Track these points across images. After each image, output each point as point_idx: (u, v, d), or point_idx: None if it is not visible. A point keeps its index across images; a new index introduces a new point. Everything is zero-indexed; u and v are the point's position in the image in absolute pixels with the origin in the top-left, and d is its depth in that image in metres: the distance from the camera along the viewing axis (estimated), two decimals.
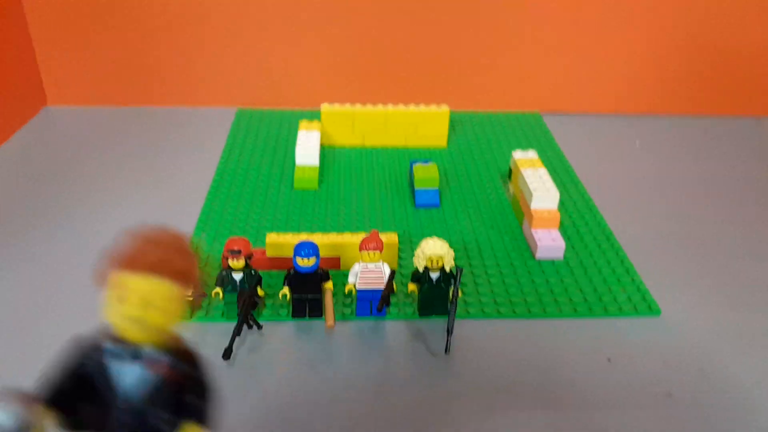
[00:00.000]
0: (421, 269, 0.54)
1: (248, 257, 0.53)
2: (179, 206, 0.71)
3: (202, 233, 0.66)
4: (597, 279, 0.61)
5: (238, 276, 0.53)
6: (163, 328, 0.29)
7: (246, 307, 0.51)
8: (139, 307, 0.28)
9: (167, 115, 0.92)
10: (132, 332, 0.28)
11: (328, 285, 0.55)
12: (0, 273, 0.60)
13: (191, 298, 0.30)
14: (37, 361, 0.50)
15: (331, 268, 0.60)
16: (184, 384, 0.29)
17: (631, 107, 0.98)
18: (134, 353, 0.29)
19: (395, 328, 0.55)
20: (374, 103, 0.86)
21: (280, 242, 0.59)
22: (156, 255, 0.28)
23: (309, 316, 0.55)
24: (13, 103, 0.86)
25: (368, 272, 0.55)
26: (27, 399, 0.26)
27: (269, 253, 0.60)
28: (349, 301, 0.58)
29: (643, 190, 0.78)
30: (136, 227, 0.30)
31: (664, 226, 0.71)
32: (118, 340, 0.29)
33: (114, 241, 0.29)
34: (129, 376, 0.29)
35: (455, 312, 0.52)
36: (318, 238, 0.59)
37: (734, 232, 0.70)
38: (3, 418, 0.25)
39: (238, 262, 0.53)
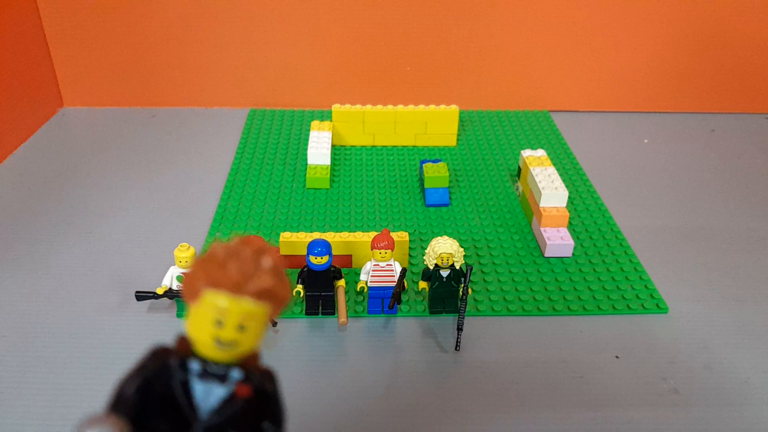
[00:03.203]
0: (431, 267, 0.55)
1: None
2: (194, 206, 0.72)
3: (217, 233, 0.67)
4: (605, 277, 0.62)
5: None
6: (251, 350, 0.28)
7: None
8: (236, 332, 0.27)
9: (181, 116, 0.93)
10: (223, 355, 0.27)
11: (341, 283, 0.56)
12: (18, 275, 0.61)
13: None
14: (57, 359, 0.52)
15: (343, 267, 0.61)
16: (264, 409, 0.29)
17: (640, 105, 0.98)
18: (221, 375, 0.28)
19: (406, 325, 0.56)
20: (384, 103, 0.87)
21: (293, 241, 0.60)
22: (265, 282, 0.27)
23: (322, 314, 0.57)
24: (30, 105, 0.88)
25: (380, 270, 0.56)
26: (117, 423, 0.25)
27: (283, 251, 0.61)
28: (361, 298, 0.59)
29: (652, 187, 0.79)
30: (232, 241, 0.28)
31: (673, 223, 0.71)
32: (204, 360, 0.28)
33: (210, 254, 0.27)
34: (213, 397, 0.28)
35: (465, 309, 0.53)
36: (330, 237, 0.60)
37: (744, 230, 0.71)
38: None
39: None
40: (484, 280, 0.61)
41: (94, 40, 0.91)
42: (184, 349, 0.28)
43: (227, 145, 0.86)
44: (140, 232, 0.67)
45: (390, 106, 0.84)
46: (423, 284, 0.57)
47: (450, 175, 0.77)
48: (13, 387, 0.49)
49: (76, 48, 0.91)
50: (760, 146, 0.89)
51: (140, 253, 0.64)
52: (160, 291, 0.55)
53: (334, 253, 0.57)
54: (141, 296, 0.55)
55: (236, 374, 0.28)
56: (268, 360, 0.51)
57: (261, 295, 0.27)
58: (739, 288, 0.62)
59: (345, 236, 0.61)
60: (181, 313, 0.56)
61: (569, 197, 0.75)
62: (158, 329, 0.55)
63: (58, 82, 0.94)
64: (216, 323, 0.26)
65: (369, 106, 0.84)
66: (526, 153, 0.74)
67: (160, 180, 0.77)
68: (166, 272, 0.56)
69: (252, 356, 0.29)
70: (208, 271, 0.27)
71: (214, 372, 0.28)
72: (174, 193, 0.75)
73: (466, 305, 0.53)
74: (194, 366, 0.28)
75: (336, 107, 0.84)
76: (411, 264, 0.63)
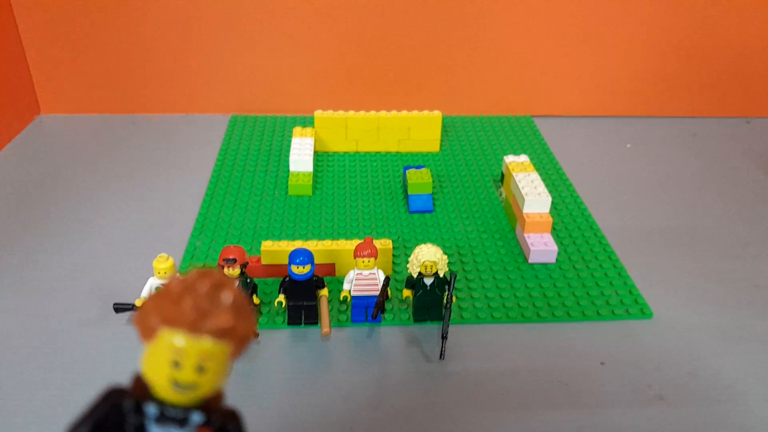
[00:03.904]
0: (415, 275, 0.55)
1: (243, 266, 0.54)
2: (174, 214, 0.71)
3: (197, 241, 0.66)
4: (589, 282, 0.62)
5: None
6: (212, 390, 0.26)
7: None
8: (194, 373, 0.25)
9: (161, 123, 0.92)
10: (182, 398, 0.26)
11: (324, 292, 0.56)
12: None
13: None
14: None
15: (326, 275, 0.60)
16: None
17: (622, 109, 0.98)
18: (180, 419, 0.26)
19: (390, 334, 0.56)
20: (367, 109, 0.87)
21: (275, 250, 0.60)
22: (223, 320, 0.25)
23: (305, 324, 0.56)
24: (7, 112, 0.87)
25: (363, 279, 0.55)
26: None
27: (264, 260, 0.60)
28: (344, 307, 0.58)
29: (635, 192, 0.79)
30: (189, 274, 0.26)
31: (656, 228, 0.72)
32: (162, 403, 0.26)
33: (165, 288, 0.26)
34: None
35: (449, 317, 0.53)
36: (313, 245, 0.60)
37: (727, 233, 0.71)
38: None
39: (233, 271, 0.53)
40: (469, 287, 0.61)
41: (72, 46, 0.89)
42: (139, 390, 0.26)
43: (208, 152, 0.85)
44: (119, 242, 0.66)
45: (373, 112, 0.84)
46: (407, 292, 0.56)
47: (433, 181, 0.77)
48: None
49: (53, 53, 0.90)
50: (741, 150, 0.90)
51: (119, 264, 0.63)
52: (138, 303, 0.53)
53: (317, 261, 0.56)
54: (119, 308, 0.54)
55: (197, 417, 0.26)
56: (252, 371, 0.51)
57: (220, 333, 0.25)
58: (724, 293, 0.62)
59: (328, 244, 0.60)
60: None
61: (552, 202, 0.75)
62: (137, 342, 0.54)
63: (35, 88, 0.92)
64: (173, 364, 0.25)
65: (351, 112, 0.83)
66: (509, 158, 0.74)
67: (140, 188, 0.76)
68: (145, 283, 0.55)
69: (215, 396, 0.27)
70: (161, 307, 0.25)
71: (172, 416, 0.26)
72: (154, 201, 0.74)
73: (450, 313, 0.53)
74: (151, 410, 0.26)
75: (318, 113, 0.83)
76: (395, 272, 0.63)
